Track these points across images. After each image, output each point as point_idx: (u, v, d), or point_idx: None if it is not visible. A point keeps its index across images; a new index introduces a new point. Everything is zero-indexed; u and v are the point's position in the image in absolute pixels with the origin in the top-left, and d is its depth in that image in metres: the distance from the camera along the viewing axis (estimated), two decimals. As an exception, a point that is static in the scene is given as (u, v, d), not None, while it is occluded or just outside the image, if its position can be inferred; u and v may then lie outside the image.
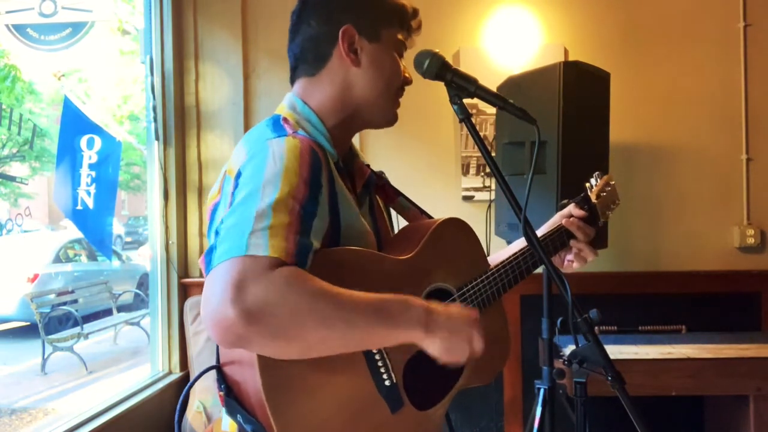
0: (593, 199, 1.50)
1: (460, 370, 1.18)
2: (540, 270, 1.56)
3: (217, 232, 0.91)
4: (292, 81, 1.21)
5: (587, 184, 1.54)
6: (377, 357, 1.02)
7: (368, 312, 0.90)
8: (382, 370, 1.02)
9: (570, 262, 1.44)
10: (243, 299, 0.80)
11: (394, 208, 1.34)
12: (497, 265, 1.28)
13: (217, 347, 1.03)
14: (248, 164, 0.97)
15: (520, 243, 1.37)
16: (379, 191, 1.31)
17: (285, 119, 1.10)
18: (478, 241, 1.28)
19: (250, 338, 0.82)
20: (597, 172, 1.56)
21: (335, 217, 1.02)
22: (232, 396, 0.95)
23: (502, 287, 1.26)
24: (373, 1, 1.15)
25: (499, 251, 1.39)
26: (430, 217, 1.30)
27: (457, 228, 1.24)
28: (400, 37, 1.17)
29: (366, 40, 1.13)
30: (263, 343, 0.84)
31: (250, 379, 0.90)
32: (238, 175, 0.97)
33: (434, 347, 0.97)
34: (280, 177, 0.92)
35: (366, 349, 0.99)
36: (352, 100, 1.15)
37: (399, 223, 1.34)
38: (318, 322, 0.85)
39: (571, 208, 1.44)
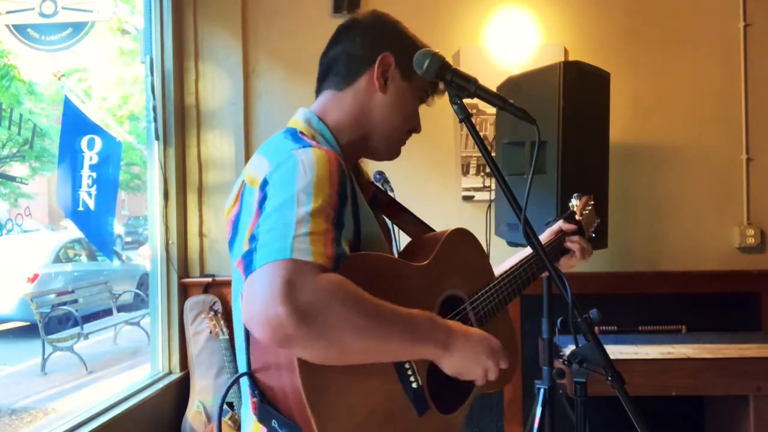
0: (578, 216, 1.60)
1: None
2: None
3: (254, 237, 0.91)
4: (318, 90, 1.23)
5: (570, 204, 1.64)
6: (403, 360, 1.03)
7: (400, 326, 0.93)
8: (410, 372, 1.03)
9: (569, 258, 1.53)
10: (295, 299, 0.82)
11: (398, 224, 1.36)
12: (503, 274, 1.32)
13: (247, 355, 1.02)
14: (276, 173, 0.98)
15: (521, 254, 1.44)
16: (382, 207, 1.33)
17: (302, 132, 1.11)
18: (484, 251, 1.32)
19: (297, 338, 0.84)
20: (576, 194, 1.65)
21: (357, 225, 1.04)
22: (266, 401, 0.95)
23: (509, 295, 1.31)
24: (415, 44, 1.20)
25: (502, 263, 1.43)
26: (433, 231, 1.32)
27: (466, 237, 1.27)
28: (426, 88, 1.22)
29: (399, 74, 1.18)
30: (307, 345, 0.86)
31: (289, 382, 0.91)
32: (265, 183, 0.98)
33: (449, 366, 1.02)
34: (313, 186, 0.94)
35: (390, 361, 1.01)
36: (366, 124, 1.18)
37: (400, 240, 1.35)
38: (358, 330, 0.88)
39: (561, 224, 1.51)
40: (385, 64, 1.16)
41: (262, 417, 0.96)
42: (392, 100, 1.18)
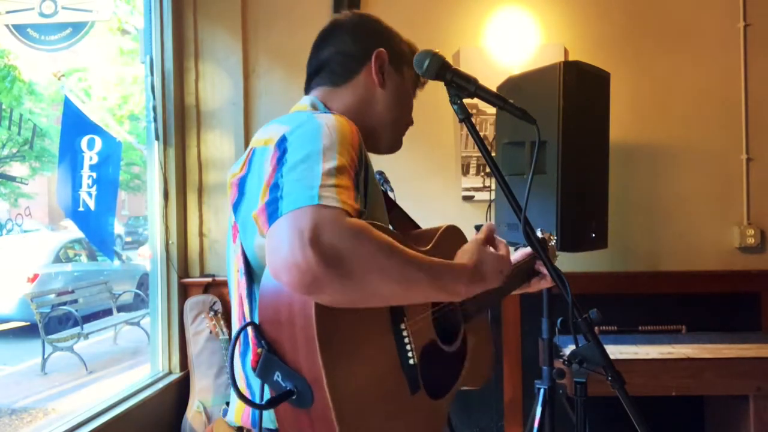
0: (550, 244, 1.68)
1: (460, 368, 1.22)
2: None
3: (277, 186, 0.91)
4: (309, 87, 1.24)
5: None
6: (405, 334, 1.04)
7: (423, 269, 0.94)
8: (408, 347, 1.04)
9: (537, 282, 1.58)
10: (322, 243, 0.83)
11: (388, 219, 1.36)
12: None
13: (252, 305, 1.03)
14: (297, 131, 0.98)
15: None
16: None
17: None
18: None
19: (325, 282, 0.83)
20: (540, 228, 1.71)
21: (365, 197, 1.04)
22: (272, 351, 0.93)
23: (492, 299, 1.35)
24: (400, 40, 1.26)
25: None
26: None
27: (459, 236, 1.30)
28: (414, 78, 1.27)
29: (393, 68, 1.22)
30: (334, 289, 0.85)
31: (302, 334, 0.90)
32: (283, 140, 0.97)
33: (470, 295, 1.06)
34: (337, 146, 0.95)
35: (409, 303, 1.03)
36: (369, 117, 1.21)
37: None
38: (384, 272, 0.88)
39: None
40: (381, 60, 1.20)
41: (264, 370, 0.94)
42: (391, 93, 1.22)
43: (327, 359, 0.88)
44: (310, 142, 0.95)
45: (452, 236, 1.26)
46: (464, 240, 1.31)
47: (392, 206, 1.33)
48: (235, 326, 1.11)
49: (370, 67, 1.19)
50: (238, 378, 1.06)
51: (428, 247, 1.17)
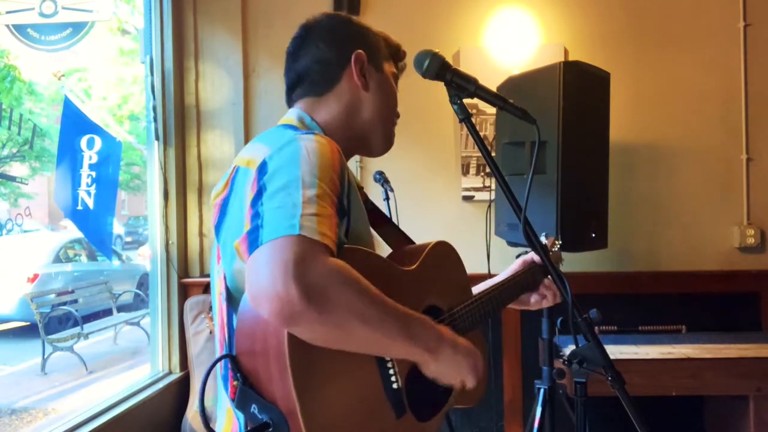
0: (551, 251, 1.62)
1: (450, 389, 1.20)
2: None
3: (258, 215, 0.90)
4: (291, 100, 1.22)
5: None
6: (388, 358, 1.03)
7: (398, 321, 0.93)
8: (392, 372, 1.03)
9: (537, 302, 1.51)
10: (305, 277, 0.82)
11: (380, 234, 1.35)
12: (483, 293, 1.32)
13: (231, 337, 1.01)
14: (277, 155, 0.97)
15: (503, 276, 1.45)
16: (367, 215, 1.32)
17: (298, 128, 1.12)
18: (464, 267, 1.31)
19: (304, 317, 0.83)
20: (544, 233, 1.66)
21: (348, 220, 1.03)
22: (248, 384, 0.93)
23: (486, 314, 1.32)
24: (374, 34, 1.22)
25: (483, 282, 1.43)
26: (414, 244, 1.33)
27: (449, 251, 1.28)
28: (394, 71, 1.24)
29: (373, 67, 1.19)
30: (311, 325, 0.85)
31: (276, 366, 0.89)
32: (264, 165, 0.97)
33: (429, 371, 1.02)
34: (317, 170, 0.94)
35: (379, 354, 1.00)
36: (357, 122, 1.18)
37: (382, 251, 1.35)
38: (362, 317, 0.88)
39: (533, 256, 1.50)
40: (360, 62, 1.17)
41: (242, 402, 0.94)
42: (376, 93, 1.19)
43: (300, 389, 0.87)
44: (289, 168, 0.94)
45: (442, 254, 1.24)
46: (455, 255, 1.28)
47: (385, 221, 1.32)
48: (218, 350, 1.11)
49: (351, 72, 1.16)
50: (225, 403, 1.05)
51: (414, 266, 1.15)
